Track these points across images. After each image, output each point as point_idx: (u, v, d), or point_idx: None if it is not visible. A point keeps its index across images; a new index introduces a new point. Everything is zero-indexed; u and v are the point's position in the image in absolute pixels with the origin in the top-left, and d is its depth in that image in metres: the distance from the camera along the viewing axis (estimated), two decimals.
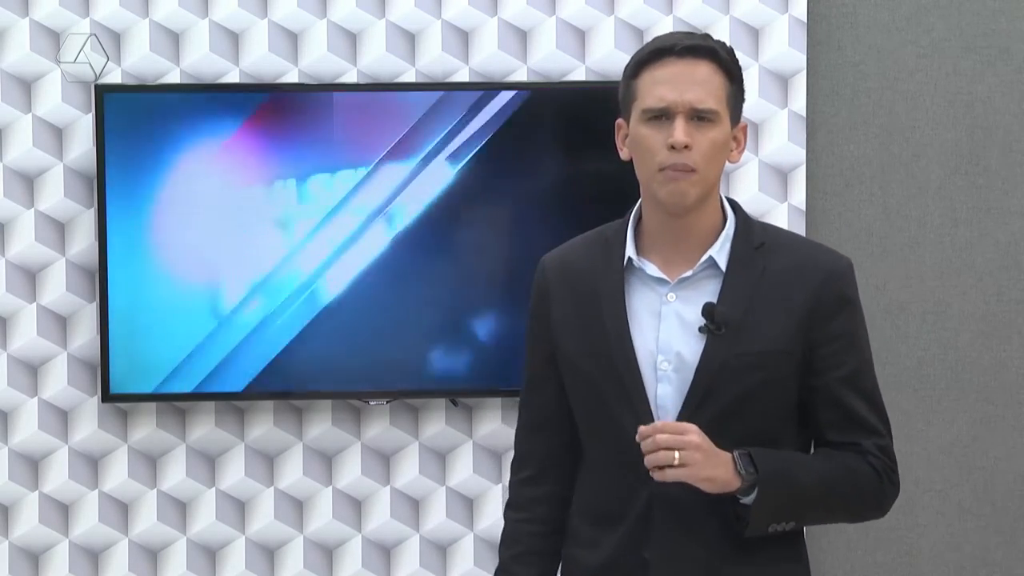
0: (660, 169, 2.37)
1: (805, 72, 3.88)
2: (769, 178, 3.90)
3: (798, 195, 3.90)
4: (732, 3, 3.86)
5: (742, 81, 2.44)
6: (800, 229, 3.89)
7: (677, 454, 2.30)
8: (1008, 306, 3.99)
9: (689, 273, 2.42)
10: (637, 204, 2.50)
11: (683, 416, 2.38)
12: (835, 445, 2.44)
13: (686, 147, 2.34)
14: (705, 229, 2.44)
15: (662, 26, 3.84)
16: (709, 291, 2.42)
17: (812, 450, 2.50)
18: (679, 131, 2.35)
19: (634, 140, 2.41)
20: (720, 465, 2.33)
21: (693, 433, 2.31)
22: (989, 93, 3.95)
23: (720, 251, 2.43)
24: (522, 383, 2.62)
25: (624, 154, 2.46)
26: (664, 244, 2.44)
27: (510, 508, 2.63)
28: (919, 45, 3.95)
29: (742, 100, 2.45)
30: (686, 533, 2.40)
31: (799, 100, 3.88)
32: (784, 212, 3.90)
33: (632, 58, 2.44)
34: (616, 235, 2.49)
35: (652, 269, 2.44)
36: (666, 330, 2.41)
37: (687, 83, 2.36)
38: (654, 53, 2.40)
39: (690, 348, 2.40)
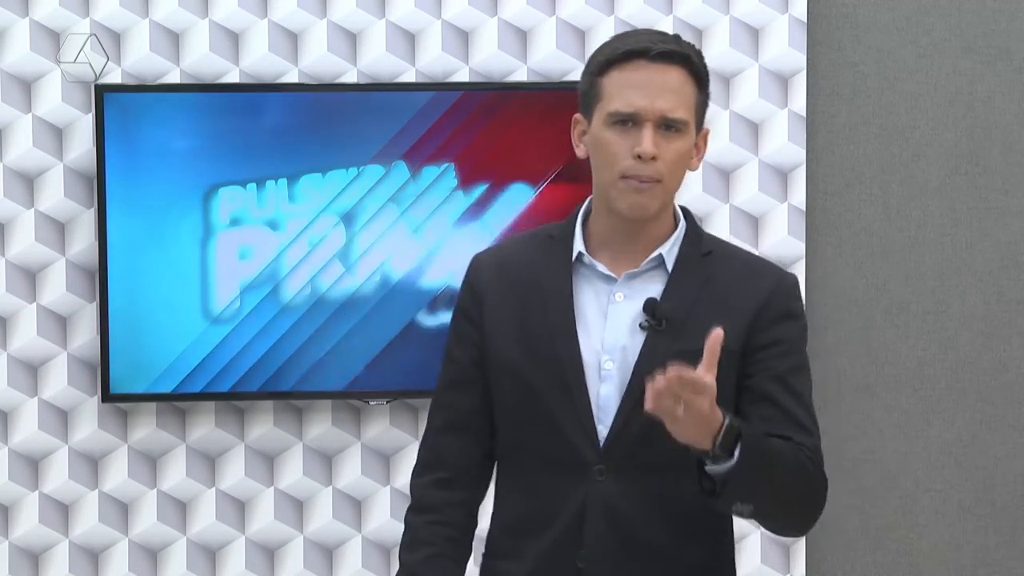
0: (622, 177, 2.31)
1: (805, 72, 3.88)
2: (769, 178, 3.90)
3: (798, 195, 3.90)
4: (732, 3, 3.86)
5: (708, 87, 2.38)
6: (800, 229, 3.89)
7: (682, 410, 2.16)
8: (1008, 306, 3.99)
9: (636, 269, 2.37)
10: (585, 203, 2.45)
11: (621, 415, 2.33)
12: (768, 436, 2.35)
13: (653, 158, 2.29)
14: (656, 232, 2.39)
15: (661, 26, 3.83)
16: (656, 290, 2.36)
17: None
18: (647, 141, 2.29)
19: (596, 142, 2.35)
20: (705, 434, 2.19)
21: (705, 399, 2.16)
22: (989, 93, 3.95)
23: (669, 252, 2.38)
24: (439, 382, 2.51)
25: (580, 152, 2.41)
26: (613, 244, 2.39)
27: (417, 511, 2.50)
28: (919, 45, 3.95)
29: (707, 107, 2.39)
30: (622, 537, 2.34)
31: (799, 100, 3.88)
32: (784, 212, 3.89)
33: (599, 53, 2.37)
34: (562, 232, 2.43)
35: (601, 267, 2.38)
36: (612, 329, 2.36)
37: (659, 90, 2.30)
38: (626, 54, 2.32)
39: (634, 347, 2.34)
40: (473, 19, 3.86)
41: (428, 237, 3.80)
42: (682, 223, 2.42)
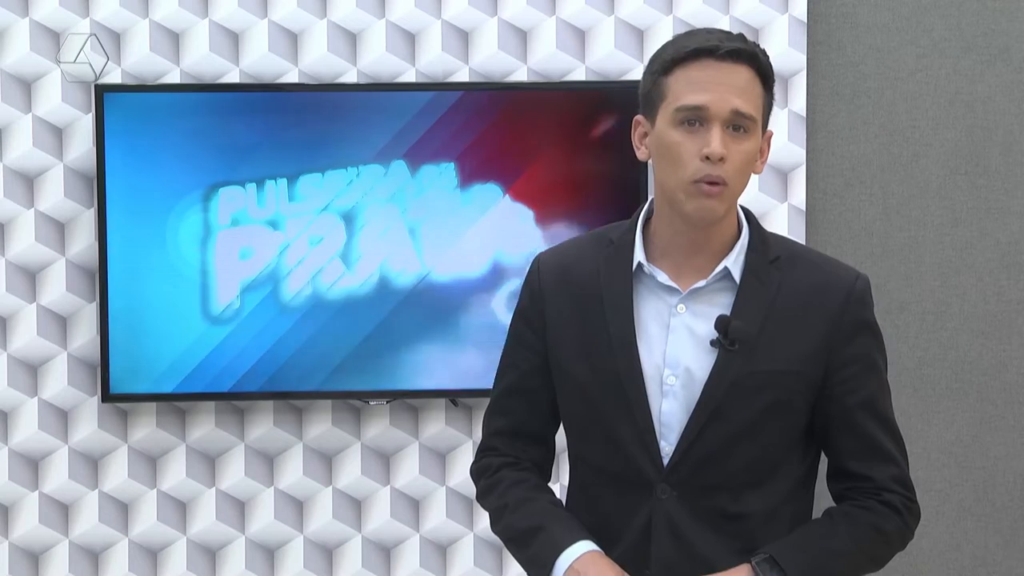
0: (692, 182, 2.23)
1: (805, 72, 3.88)
2: (769, 178, 3.90)
3: (798, 195, 3.90)
4: (732, 3, 3.86)
5: (773, 87, 2.31)
6: (800, 229, 3.89)
7: None
8: (1008, 306, 3.99)
9: (702, 283, 2.31)
10: (645, 206, 2.39)
11: (688, 435, 2.29)
12: (852, 475, 2.36)
13: (721, 159, 2.22)
14: (721, 239, 2.32)
15: (662, 26, 3.84)
16: (721, 304, 2.31)
17: (823, 468, 2.43)
18: (716, 141, 2.21)
19: (661, 143, 2.27)
20: None
21: None
22: (989, 93, 3.95)
23: (735, 262, 2.32)
24: (498, 384, 2.50)
25: (642, 154, 2.32)
26: (676, 252, 2.32)
27: (482, 458, 2.50)
28: (919, 45, 3.95)
29: (771, 108, 2.32)
30: (688, 555, 2.31)
31: (799, 100, 3.88)
32: (784, 212, 3.89)
33: (663, 52, 2.29)
34: (622, 238, 2.36)
35: (663, 277, 2.32)
36: (674, 343, 2.30)
37: (727, 87, 2.23)
38: (693, 52, 2.25)
39: (699, 363, 2.29)
40: (473, 19, 3.86)
41: (428, 237, 3.80)
42: (746, 228, 2.35)
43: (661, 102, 2.27)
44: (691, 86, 2.24)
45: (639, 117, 2.33)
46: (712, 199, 2.24)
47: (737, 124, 2.24)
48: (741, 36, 2.29)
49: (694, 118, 2.24)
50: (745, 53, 2.25)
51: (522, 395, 2.46)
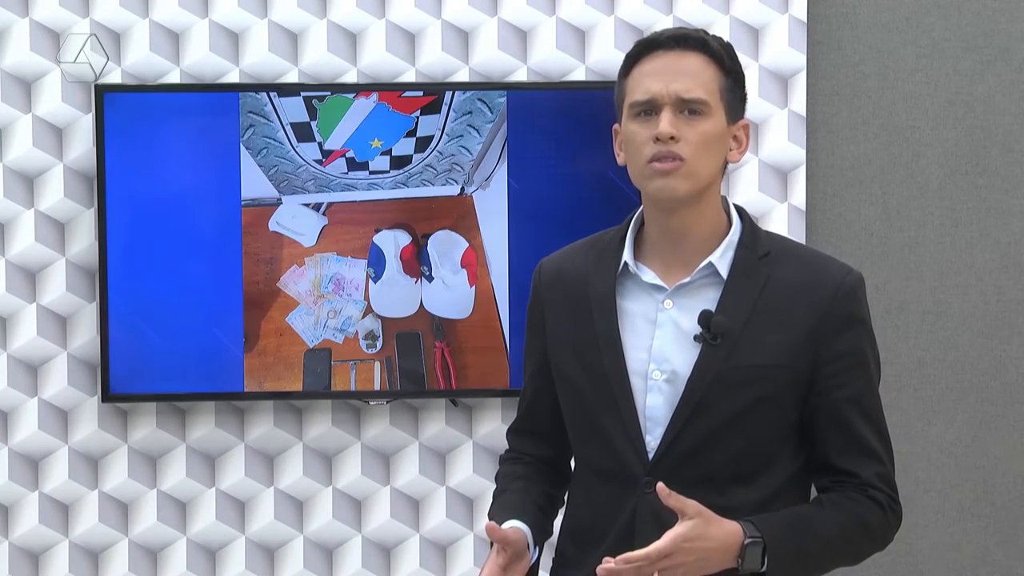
0: (648, 162, 2.29)
1: (805, 72, 3.88)
2: (769, 178, 3.90)
3: (798, 195, 3.90)
4: (732, 3, 3.86)
5: (740, 76, 2.36)
6: (800, 229, 3.89)
7: None
8: (1008, 306, 3.99)
9: (687, 279, 2.34)
10: (639, 209, 2.42)
11: (672, 429, 2.32)
12: (836, 471, 2.36)
13: (672, 138, 2.27)
14: (706, 233, 2.35)
15: (662, 26, 3.83)
16: (708, 299, 2.32)
17: (810, 472, 2.43)
18: (664, 122, 2.27)
19: (624, 139, 2.34)
20: (715, 559, 2.21)
21: (679, 553, 2.19)
22: (989, 93, 3.95)
23: (721, 258, 2.34)
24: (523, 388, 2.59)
25: (620, 159, 2.38)
26: (664, 249, 2.36)
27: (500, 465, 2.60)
28: (919, 45, 3.95)
29: (742, 96, 2.36)
30: None
31: (799, 100, 3.88)
32: (784, 212, 3.90)
33: (624, 58, 2.38)
34: (614, 239, 2.41)
35: (649, 275, 2.36)
36: (661, 338, 2.33)
37: (674, 74, 2.29)
38: (642, 47, 2.34)
39: (684, 358, 2.31)
40: (473, 19, 3.86)
41: (428, 237, 3.79)
42: (736, 224, 2.37)
43: (623, 103, 2.35)
44: (642, 81, 2.32)
45: (616, 125, 2.39)
46: (669, 176, 2.28)
47: (691, 109, 2.29)
48: (696, 29, 2.38)
49: (648, 109, 2.30)
50: (692, 39, 2.33)
51: (533, 395, 2.53)
